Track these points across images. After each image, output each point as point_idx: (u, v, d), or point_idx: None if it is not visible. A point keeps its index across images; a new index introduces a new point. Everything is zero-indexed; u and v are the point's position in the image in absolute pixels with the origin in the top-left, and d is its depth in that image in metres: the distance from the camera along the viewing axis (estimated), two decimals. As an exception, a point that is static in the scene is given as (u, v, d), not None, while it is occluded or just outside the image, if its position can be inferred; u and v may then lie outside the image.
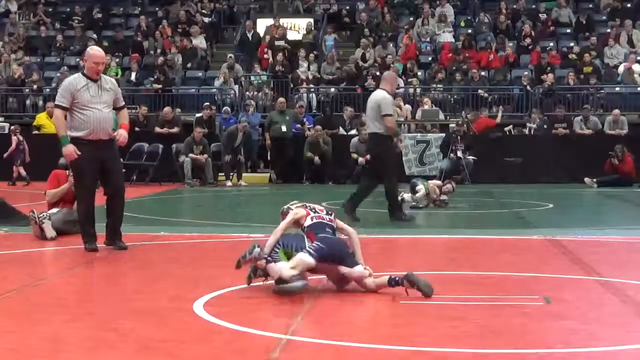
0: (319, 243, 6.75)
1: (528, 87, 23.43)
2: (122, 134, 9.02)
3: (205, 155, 20.12)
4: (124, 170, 19.84)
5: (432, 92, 24.06)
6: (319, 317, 6.10)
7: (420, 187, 14.63)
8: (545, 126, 21.93)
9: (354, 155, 20.71)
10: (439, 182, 15.34)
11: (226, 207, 16.34)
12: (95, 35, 27.79)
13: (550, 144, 21.25)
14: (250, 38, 26.97)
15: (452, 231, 11.49)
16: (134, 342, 5.23)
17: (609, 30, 26.05)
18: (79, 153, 8.89)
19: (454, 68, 24.75)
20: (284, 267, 6.62)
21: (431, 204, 14.67)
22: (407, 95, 24.11)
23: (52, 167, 10.95)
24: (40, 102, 24.39)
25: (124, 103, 9.37)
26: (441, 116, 22.83)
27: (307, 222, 6.99)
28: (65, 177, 10.48)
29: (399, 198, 14.80)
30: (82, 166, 8.99)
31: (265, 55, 25.79)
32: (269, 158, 21.56)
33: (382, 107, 12.00)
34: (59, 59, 26.74)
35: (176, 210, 15.91)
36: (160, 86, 24.28)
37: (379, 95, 12.22)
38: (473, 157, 20.46)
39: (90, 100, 8.89)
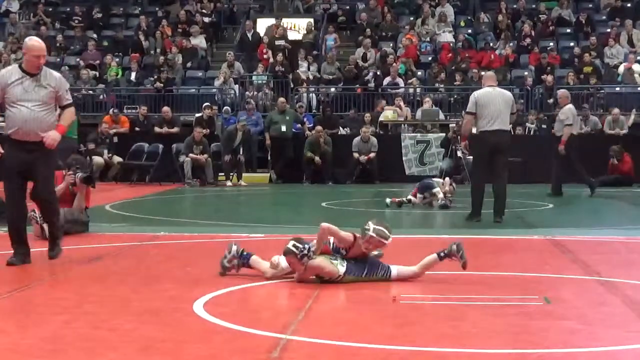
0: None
1: (528, 87, 23.44)
2: (50, 136, 8.05)
3: (205, 155, 20.12)
4: (123, 170, 20.53)
5: (435, 93, 24.04)
6: (319, 317, 6.10)
7: (438, 190, 14.72)
8: (544, 126, 21.95)
9: (356, 155, 20.71)
10: (446, 180, 15.38)
11: (226, 207, 16.34)
12: (95, 35, 27.80)
13: (550, 144, 21.21)
14: (250, 38, 26.97)
15: (452, 231, 11.48)
16: (134, 342, 5.22)
17: (609, 30, 26.05)
18: (2, 152, 8.16)
19: (453, 68, 24.76)
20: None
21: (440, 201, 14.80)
22: (407, 95, 24.12)
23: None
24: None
25: (70, 101, 8.43)
26: (441, 116, 22.83)
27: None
28: (61, 177, 10.48)
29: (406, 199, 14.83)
30: (5, 167, 8.14)
31: (265, 56, 25.78)
32: (269, 158, 21.56)
33: (514, 106, 12.41)
34: (59, 59, 26.71)
35: (176, 210, 15.91)
36: (162, 85, 24.29)
37: (510, 94, 12.58)
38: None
39: (20, 97, 8.04)
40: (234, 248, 7.36)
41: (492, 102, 12.08)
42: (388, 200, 14.81)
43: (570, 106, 17.23)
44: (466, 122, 13.00)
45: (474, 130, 12.57)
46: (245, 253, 7.36)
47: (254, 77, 25.24)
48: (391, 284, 7.18)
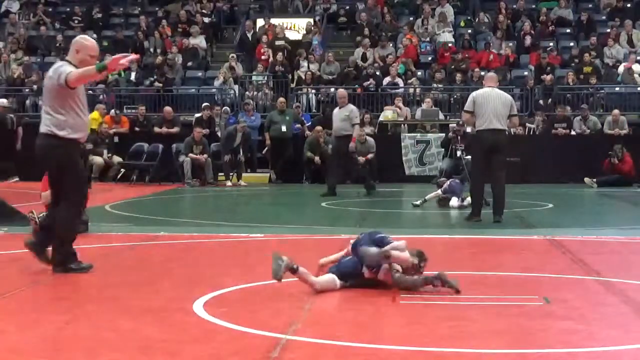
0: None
1: (528, 87, 23.46)
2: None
3: (205, 155, 20.12)
4: (123, 170, 20.52)
5: (434, 92, 24.05)
6: (319, 317, 6.09)
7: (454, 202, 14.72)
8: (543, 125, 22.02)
9: (354, 155, 20.68)
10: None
11: (226, 207, 16.34)
12: (95, 35, 27.78)
13: (550, 144, 21.25)
14: (250, 38, 26.98)
15: (452, 231, 11.49)
16: (134, 342, 5.23)
17: (609, 30, 26.06)
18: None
19: (452, 67, 24.78)
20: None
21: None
22: (406, 95, 24.12)
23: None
24: (40, 102, 24.36)
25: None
26: (441, 116, 22.83)
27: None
28: None
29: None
30: (81, 172, 8.12)
31: (263, 57, 25.78)
32: (269, 158, 21.55)
33: (514, 108, 12.42)
34: (59, 59, 26.66)
35: (176, 210, 15.90)
36: (161, 85, 24.29)
37: (509, 96, 12.60)
38: (473, 157, 20.45)
39: (83, 100, 7.90)
40: (286, 261, 6.76)
41: (490, 102, 12.13)
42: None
43: (353, 106, 17.43)
44: (466, 121, 13.24)
45: (469, 130, 12.63)
46: (295, 266, 6.83)
47: (253, 77, 25.25)
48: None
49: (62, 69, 7.72)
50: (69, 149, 7.83)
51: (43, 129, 7.85)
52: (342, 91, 18.23)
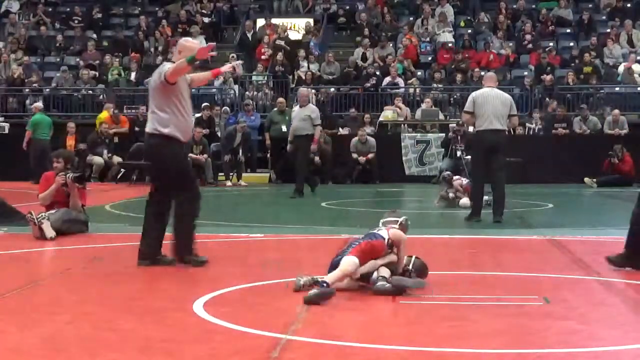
0: None
1: (527, 87, 23.46)
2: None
3: (205, 155, 20.12)
4: (123, 170, 20.50)
5: (434, 92, 24.06)
6: (319, 317, 6.09)
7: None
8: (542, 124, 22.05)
9: (354, 155, 20.72)
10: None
11: (226, 207, 16.33)
12: (95, 35, 27.80)
13: (550, 144, 21.25)
14: (250, 38, 26.99)
15: (452, 231, 11.48)
16: (134, 342, 5.23)
17: (609, 30, 26.07)
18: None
19: (452, 67, 24.78)
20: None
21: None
22: (406, 95, 24.13)
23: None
24: (40, 103, 24.34)
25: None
26: (441, 116, 22.84)
27: None
28: (52, 178, 10.44)
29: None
30: (186, 167, 8.42)
31: (263, 57, 25.78)
32: (268, 157, 21.55)
33: (514, 107, 12.35)
34: (59, 59, 26.74)
35: (176, 210, 15.86)
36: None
37: (508, 96, 12.55)
38: (473, 157, 20.45)
39: (188, 101, 8.13)
40: (306, 279, 6.70)
41: (489, 102, 12.12)
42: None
43: (315, 106, 17.17)
44: (466, 121, 13.25)
45: (471, 129, 12.61)
46: (320, 279, 6.62)
47: (253, 77, 25.25)
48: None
49: (164, 68, 8.00)
50: (172, 148, 8.09)
51: (148, 129, 8.21)
52: (303, 90, 17.86)
